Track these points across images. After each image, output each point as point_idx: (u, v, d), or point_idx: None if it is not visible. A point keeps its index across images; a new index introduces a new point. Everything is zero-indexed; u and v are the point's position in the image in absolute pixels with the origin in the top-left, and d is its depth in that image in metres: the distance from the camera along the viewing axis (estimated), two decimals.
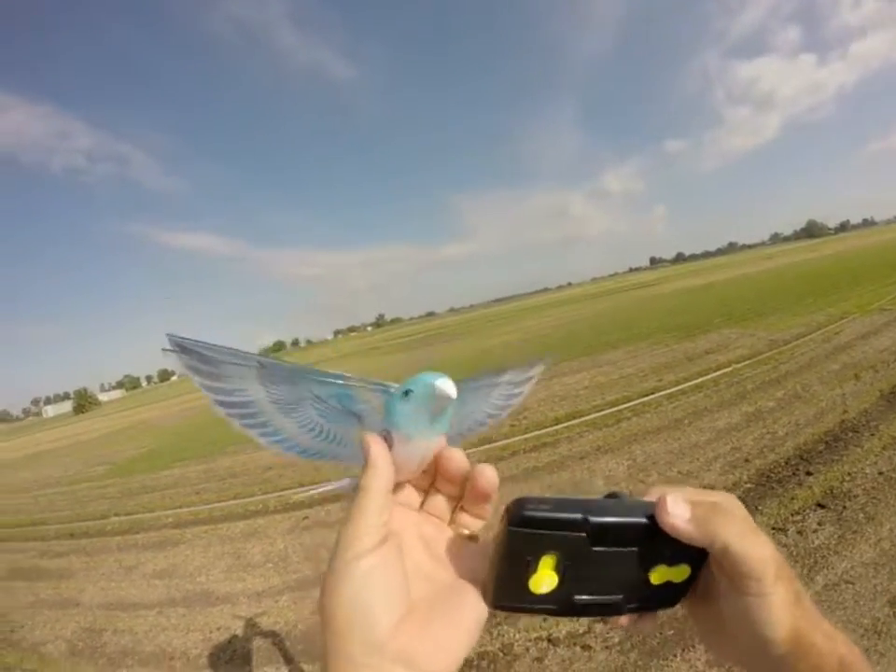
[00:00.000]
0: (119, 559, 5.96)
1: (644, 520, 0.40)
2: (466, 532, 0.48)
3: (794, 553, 3.46)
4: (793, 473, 4.59)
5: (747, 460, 5.02)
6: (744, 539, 0.38)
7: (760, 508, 4.11)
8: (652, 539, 0.40)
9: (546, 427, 7.38)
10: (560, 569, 0.40)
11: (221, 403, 0.45)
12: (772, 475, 4.63)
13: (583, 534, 0.39)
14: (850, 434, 5.13)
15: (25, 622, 4.88)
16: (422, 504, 0.50)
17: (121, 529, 6.98)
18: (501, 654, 3.09)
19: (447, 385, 0.42)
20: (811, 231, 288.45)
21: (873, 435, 5.01)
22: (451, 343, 30.14)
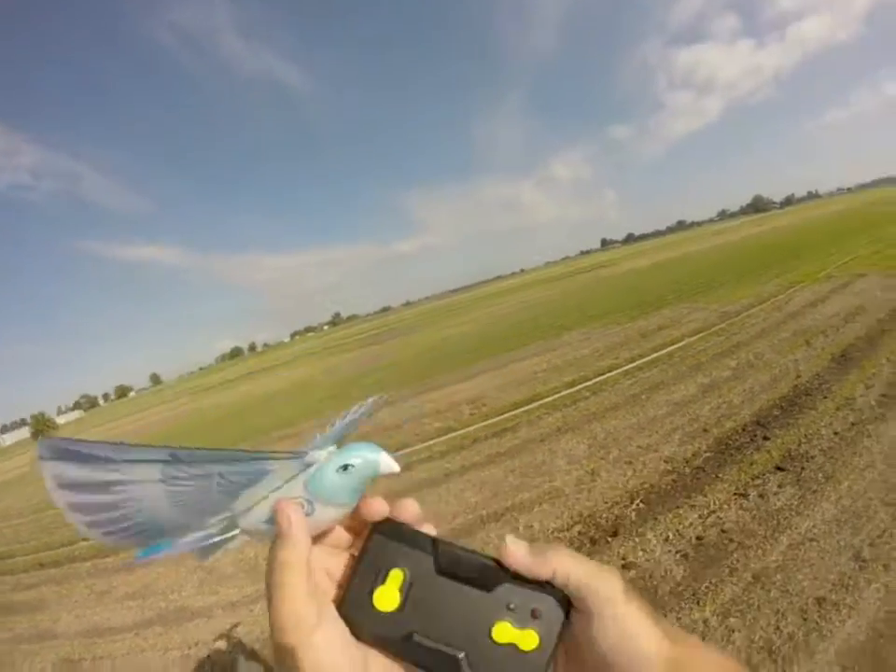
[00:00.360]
0: (90, 585, 5.78)
1: (491, 560, 0.42)
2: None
3: (757, 517, 3.54)
4: (751, 439, 4.69)
5: (705, 430, 5.12)
6: (583, 564, 0.40)
7: (720, 475, 4.19)
8: (497, 585, 0.41)
9: (505, 413, 7.41)
10: (404, 589, 0.41)
11: (98, 524, 0.37)
12: (730, 442, 4.73)
13: (431, 557, 0.42)
14: (804, 398, 5.28)
15: (3, 658, 4.70)
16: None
17: (90, 554, 6.76)
18: None
19: (392, 463, 0.43)
20: (757, 205, 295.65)
21: (826, 397, 5.16)
22: (407, 337, 30.10)
